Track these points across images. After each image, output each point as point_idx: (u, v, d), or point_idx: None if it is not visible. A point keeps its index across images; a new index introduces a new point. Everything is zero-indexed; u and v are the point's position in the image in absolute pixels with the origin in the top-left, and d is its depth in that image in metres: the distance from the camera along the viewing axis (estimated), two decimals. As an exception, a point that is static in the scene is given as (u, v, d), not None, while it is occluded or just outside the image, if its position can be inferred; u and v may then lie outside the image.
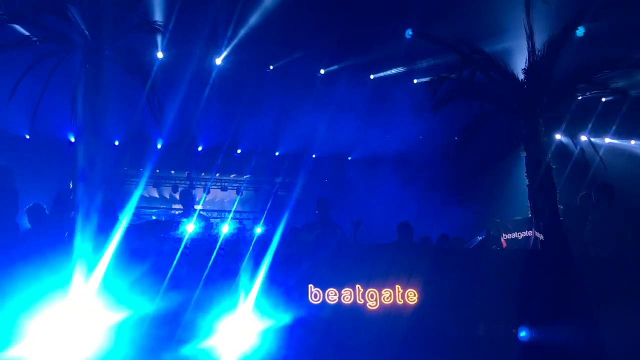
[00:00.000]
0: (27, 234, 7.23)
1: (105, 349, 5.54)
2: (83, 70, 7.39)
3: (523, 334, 6.58)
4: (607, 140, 15.96)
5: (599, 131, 15.18)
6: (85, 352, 5.46)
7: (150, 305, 5.89)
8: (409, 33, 13.83)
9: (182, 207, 7.86)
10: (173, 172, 19.22)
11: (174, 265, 6.29)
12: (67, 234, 6.38)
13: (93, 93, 7.17)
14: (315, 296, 6.70)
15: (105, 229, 6.35)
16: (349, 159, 18.97)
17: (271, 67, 15.78)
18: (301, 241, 8.42)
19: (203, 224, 8.56)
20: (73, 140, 15.24)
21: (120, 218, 6.80)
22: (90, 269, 5.65)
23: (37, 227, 7.10)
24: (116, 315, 5.65)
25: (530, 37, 8.06)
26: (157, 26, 8.54)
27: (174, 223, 7.58)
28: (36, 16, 7.49)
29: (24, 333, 5.27)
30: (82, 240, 5.90)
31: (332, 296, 6.72)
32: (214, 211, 19.79)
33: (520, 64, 8.32)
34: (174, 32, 11.87)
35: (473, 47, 8.08)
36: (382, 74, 16.24)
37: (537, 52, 8.02)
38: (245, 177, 19.59)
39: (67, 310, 5.42)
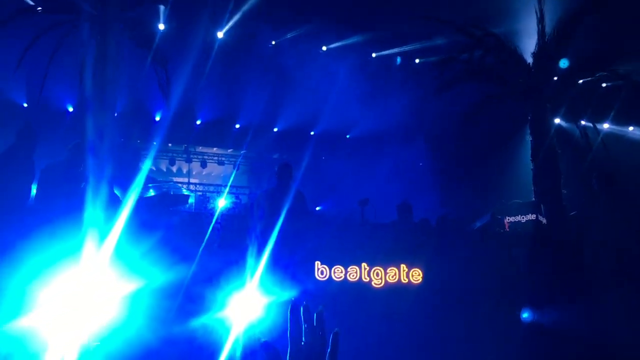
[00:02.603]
0: (40, 198, 7.04)
1: (116, 319, 5.59)
2: (91, 41, 7.33)
3: (525, 315, 6.70)
4: (605, 126, 16.01)
5: (598, 117, 15.23)
6: (96, 320, 5.50)
7: (161, 276, 5.94)
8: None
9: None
10: (170, 145, 19.11)
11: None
12: (83, 184, 6.37)
13: (102, 64, 7.12)
14: (322, 272, 6.78)
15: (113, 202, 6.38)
16: (347, 136, 18.95)
17: (273, 42, 15.66)
18: (258, 206, 7.80)
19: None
20: (71, 109, 15.24)
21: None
22: (102, 238, 5.67)
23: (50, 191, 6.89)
24: (127, 286, 5.68)
25: (541, 21, 8.07)
26: (163, -3, 8.50)
27: (183, 196, 7.60)
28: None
29: (36, 302, 5.29)
30: (93, 210, 5.91)
31: (338, 273, 6.81)
32: (209, 185, 19.76)
33: (529, 47, 8.33)
34: (178, 4, 11.72)
35: (484, 29, 8.07)
36: (384, 52, 16.17)
37: (546, 36, 8.04)
38: (242, 151, 19.51)
39: (78, 279, 5.45)
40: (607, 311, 6.25)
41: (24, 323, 5.20)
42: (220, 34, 14.73)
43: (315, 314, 1.82)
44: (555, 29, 7.95)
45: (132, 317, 5.56)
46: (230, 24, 14.31)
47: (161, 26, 13.53)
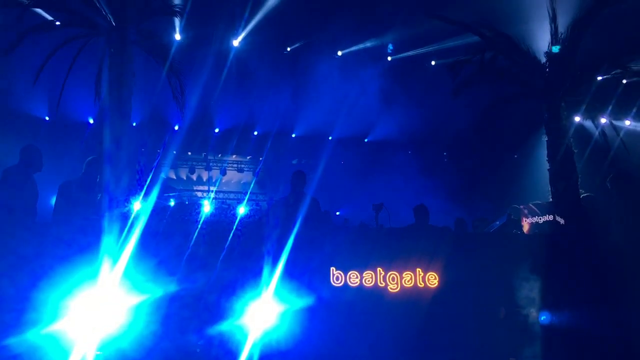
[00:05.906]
0: (58, 213, 7.15)
1: (131, 327, 5.69)
2: (107, 54, 7.47)
3: (543, 317, 6.63)
4: (627, 123, 15.71)
5: (619, 114, 14.96)
6: (113, 329, 5.62)
7: (175, 286, 6.02)
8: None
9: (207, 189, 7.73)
10: (190, 153, 19.34)
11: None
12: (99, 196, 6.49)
13: (118, 75, 7.25)
14: (337, 278, 6.78)
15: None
16: (365, 140, 18.96)
17: (288, 49, 15.77)
18: (274, 214, 7.97)
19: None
20: (92, 121, 15.50)
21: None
22: (119, 250, 5.76)
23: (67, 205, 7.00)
24: (142, 296, 5.78)
25: (553, 20, 7.99)
26: (177, 9, 8.63)
27: (197, 205, 7.67)
28: (61, 0, 7.56)
29: (65, 312, 5.45)
30: (110, 221, 6.01)
31: (353, 278, 6.80)
32: (230, 192, 19.92)
33: (542, 47, 8.26)
34: (191, 14, 11.85)
35: (495, 30, 8.02)
36: (399, 56, 16.18)
37: (559, 35, 7.96)
38: (261, 158, 19.64)
39: (98, 291, 5.56)
40: (626, 314, 6.15)
41: (56, 328, 5.38)
42: (235, 42, 14.87)
43: None
44: (569, 27, 7.87)
45: (149, 325, 5.65)
46: (245, 32, 14.44)
47: (177, 36, 13.74)
